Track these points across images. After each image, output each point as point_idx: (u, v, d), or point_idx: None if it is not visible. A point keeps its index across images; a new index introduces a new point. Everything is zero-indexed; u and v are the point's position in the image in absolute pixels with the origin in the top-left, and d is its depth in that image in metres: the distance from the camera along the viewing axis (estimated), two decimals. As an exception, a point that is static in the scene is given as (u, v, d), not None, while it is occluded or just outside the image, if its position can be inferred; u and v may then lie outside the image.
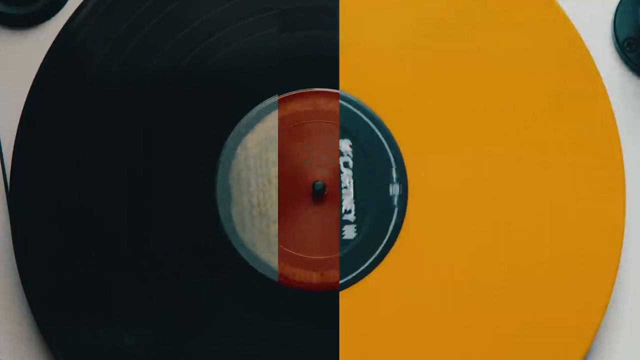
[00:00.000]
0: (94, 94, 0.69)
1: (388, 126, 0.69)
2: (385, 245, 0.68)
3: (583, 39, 0.70)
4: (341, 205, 0.69)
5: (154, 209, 0.68)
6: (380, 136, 0.69)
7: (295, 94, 0.70)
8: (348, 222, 0.68)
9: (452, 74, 0.70)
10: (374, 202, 0.68)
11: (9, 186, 0.69)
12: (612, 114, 0.69)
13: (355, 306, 0.68)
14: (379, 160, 0.69)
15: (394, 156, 0.69)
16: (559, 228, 0.68)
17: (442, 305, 0.68)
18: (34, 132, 0.69)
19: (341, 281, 0.68)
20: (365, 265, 0.68)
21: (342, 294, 0.68)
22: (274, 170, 0.69)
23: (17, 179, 0.69)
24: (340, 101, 0.69)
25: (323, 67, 0.70)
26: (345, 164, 0.69)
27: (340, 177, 0.69)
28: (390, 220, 0.68)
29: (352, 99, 0.69)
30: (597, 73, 0.70)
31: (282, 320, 0.68)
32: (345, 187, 0.69)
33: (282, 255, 0.68)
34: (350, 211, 0.68)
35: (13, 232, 0.68)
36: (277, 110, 0.69)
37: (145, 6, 0.70)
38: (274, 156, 0.69)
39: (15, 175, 0.69)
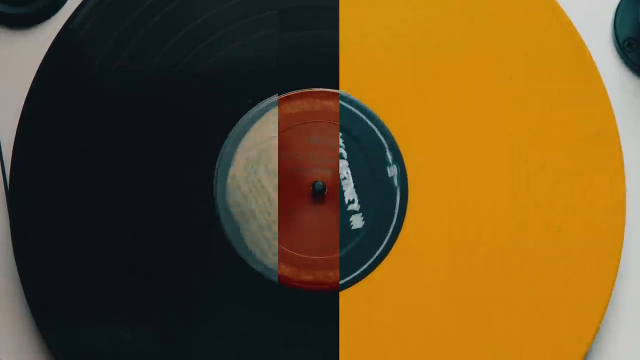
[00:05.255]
0: (94, 94, 0.69)
1: (388, 126, 0.69)
2: (385, 245, 0.68)
3: (583, 39, 0.70)
4: (342, 204, 0.69)
5: (154, 209, 0.68)
6: (381, 136, 0.69)
7: (295, 93, 0.70)
8: (351, 222, 0.68)
9: (452, 73, 0.70)
10: (375, 202, 0.69)
11: (9, 186, 0.69)
12: (612, 114, 0.69)
13: (355, 306, 0.68)
14: (379, 160, 0.69)
15: (394, 156, 0.69)
16: (559, 228, 0.68)
17: (442, 305, 0.68)
18: (34, 132, 0.69)
19: (341, 281, 0.68)
20: (365, 265, 0.68)
21: (342, 294, 0.68)
22: (274, 170, 0.69)
23: (17, 179, 0.69)
24: (340, 101, 0.69)
25: (323, 67, 0.70)
26: (346, 164, 0.69)
27: (340, 177, 0.69)
28: (391, 221, 0.68)
29: (352, 99, 0.69)
30: (597, 73, 0.70)
31: (282, 320, 0.68)
32: (346, 187, 0.69)
33: (282, 255, 0.68)
34: (351, 210, 0.68)
35: (13, 232, 0.68)
36: (277, 110, 0.69)
37: (146, 5, 0.70)
38: (273, 156, 0.69)
39: (15, 175, 0.69)
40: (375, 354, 0.67)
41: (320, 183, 0.68)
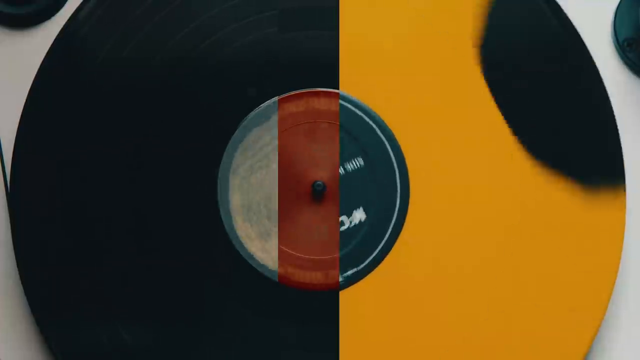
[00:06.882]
0: (94, 94, 0.69)
1: (388, 126, 0.69)
2: (385, 245, 0.68)
3: (583, 39, 0.70)
4: (342, 203, 0.68)
5: (154, 209, 0.68)
6: (381, 136, 0.69)
7: (295, 94, 0.70)
8: (351, 222, 0.68)
9: (452, 73, 0.70)
10: (375, 202, 0.68)
11: (9, 186, 0.69)
12: (612, 114, 0.69)
13: (355, 306, 0.68)
14: (379, 160, 0.69)
15: (395, 156, 0.69)
16: (559, 228, 0.68)
17: (442, 305, 0.68)
18: (34, 132, 0.69)
19: (341, 281, 0.68)
20: (366, 264, 0.68)
21: (342, 294, 0.68)
22: (274, 171, 0.69)
23: (17, 179, 0.69)
24: (340, 101, 0.69)
25: (323, 67, 0.70)
26: (346, 164, 0.69)
27: (340, 177, 0.69)
28: (391, 220, 0.68)
29: (352, 99, 0.69)
30: (597, 73, 0.70)
31: (281, 320, 0.68)
32: (346, 187, 0.69)
33: (282, 255, 0.68)
34: (351, 210, 0.68)
35: (13, 232, 0.68)
36: (277, 111, 0.69)
37: (146, 5, 0.70)
38: (273, 156, 0.69)
39: (15, 175, 0.69)
40: (375, 354, 0.67)
41: (320, 183, 0.68)
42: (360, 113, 0.69)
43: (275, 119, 0.69)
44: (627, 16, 0.73)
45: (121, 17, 0.70)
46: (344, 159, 0.69)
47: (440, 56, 0.70)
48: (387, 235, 0.68)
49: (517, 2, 0.70)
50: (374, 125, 0.69)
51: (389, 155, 0.69)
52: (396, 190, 0.69)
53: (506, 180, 0.69)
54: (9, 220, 0.70)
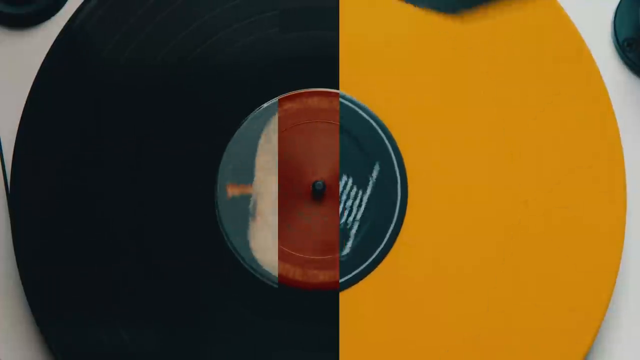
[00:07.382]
0: (95, 94, 0.69)
1: (388, 126, 0.69)
2: (385, 245, 0.68)
3: (583, 39, 0.70)
4: (342, 203, 0.69)
5: (155, 210, 0.68)
6: (382, 135, 0.69)
7: (295, 94, 0.70)
8: (351, 222, 0.68)
9: (452, 73, 0.70)
10: (374, 202, 0.68)
11: (9, 186, 0.69)
12: (612, 114, 0.69)
13: (355, 306, 0.68)
14: (379, 160, 0.69)
15: (394, 156, 0.69)
16: (559, 228, 0.68)
17: (442, 305, 0.68)
18: (34, 132, 0.69)
19: (341, 281, 0.68)
20: (365, 265, 0.68)
21: (342, 294, 0.68)
22: (274, 170, 0.69)
23: (17, 179, 0.69)
24: (340, 101, 0.69)
25: (323, 67, 0.70)
26: (346, 164, 0.69)
27: (340, 177, 0.69)
28: (391, 220, 0.68)
29: (352, 99, 0.69)
30: (597, 73, 0.70)
31: (281, 321, 0.68)
32: (345, 187, 0.69)
33: (282, 255, 0.68)
34: (351, 210, 0.69)
35: (13, 232, 0.68)
36: (277, 111, 0.69)
37: (147, 6, 0.70)
38: (274, 156, 0.69)
39: (15, 175, 0.69)
40: (375, 354, 0.67)
41: (320, 183, 0.68)
42: (360, 113, 0.69)
43: (275, 119, 0.69)
44: (627, 16, 0.73)
45: (122, 17, 0.70)
46: (343, 159, 0.69)
47: (440, 56, 0.70)
48: (387, 236, 0.68)
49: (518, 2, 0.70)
50: (375, 125, 0.69)
51: (390, 155, 0.69)
52: (396, 191, 0.69)
53: (506, 180, 0.69)
54: (9, 220, 0.70)
